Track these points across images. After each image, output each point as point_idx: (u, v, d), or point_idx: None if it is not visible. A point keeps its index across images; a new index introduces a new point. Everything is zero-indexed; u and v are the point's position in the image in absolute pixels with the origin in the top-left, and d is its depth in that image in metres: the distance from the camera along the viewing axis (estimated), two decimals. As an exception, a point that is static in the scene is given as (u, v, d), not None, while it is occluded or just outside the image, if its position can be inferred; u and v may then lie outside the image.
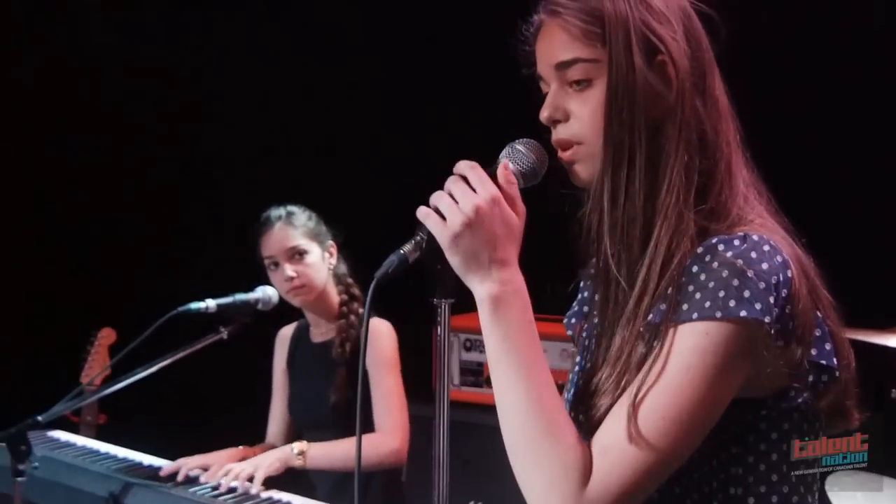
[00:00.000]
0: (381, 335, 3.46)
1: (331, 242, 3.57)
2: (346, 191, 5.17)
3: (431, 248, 1.58)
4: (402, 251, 1.59)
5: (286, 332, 3.76)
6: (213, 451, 3.33)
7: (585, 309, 1.84)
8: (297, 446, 3.23)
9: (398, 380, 3.45)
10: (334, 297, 3.57)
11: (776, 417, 1.58)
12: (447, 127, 4.85)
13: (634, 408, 1.48)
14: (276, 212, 3.53)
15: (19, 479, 2.73)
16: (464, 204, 1.55)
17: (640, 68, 1.57)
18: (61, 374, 4.07)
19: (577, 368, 1.77)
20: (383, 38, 5.14)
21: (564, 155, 1.65)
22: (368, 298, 1.60)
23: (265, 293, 3.21)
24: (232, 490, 3.02)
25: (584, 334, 1.79)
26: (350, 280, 3.61)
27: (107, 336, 4.09)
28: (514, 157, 1.64)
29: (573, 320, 1.87)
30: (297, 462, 3.21)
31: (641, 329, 1.55)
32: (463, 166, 1.59)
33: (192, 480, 3.11)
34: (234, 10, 5.40)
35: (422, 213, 1.58)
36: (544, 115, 1.65)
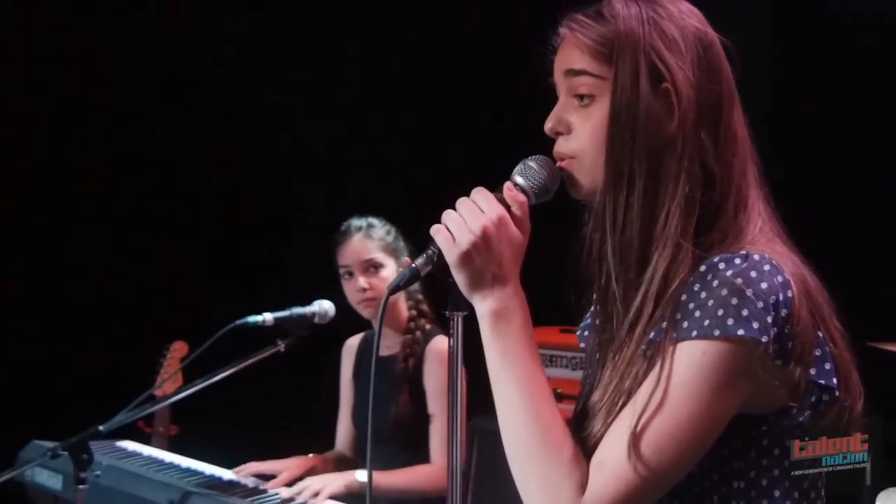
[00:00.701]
0: (446, 361, 3.44)
1: (406, 258, 3.58)
2: (425, 206, 5.21)
3: (442, 262, 1.63)
4: (414, 265, 1.65)
5: (353, 343, 3.80)
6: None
7: (597, 322, 1.86)
8: (360, 476, 3.27)
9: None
10: (403, 311, 3.60)
11: (778, 434, 1.59)
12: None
13: (634, 425, 1.51)
14: (357, 222, 3.58)
15: (81, 486, 2.80)
16: (471, 223, 1.60)
17: (643, 92, 1.60)
18: (135, 387, 4.19)
19: (584, 385, 1.79)
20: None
21: (562, 164, 1.69)
22: (381, 309, 1.66)
23: (321, 307, 3.26)
24: (291, 500, 3.09)
25: (596, 351, 1.81)
26: (420, 296, 3.63)
27: (179, 349, 4.20)
28: (527, 174, 1.68)
29: (586, 333, 1.89)
30: (358, 487, 3.24)
31: (636, 353, 1.58)
32: (473, 192, 1.64)
33: (255, 491, 3.17)
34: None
35: (434, 230, 1.63)
36: (548, 126, 1.70)
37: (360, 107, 5.44)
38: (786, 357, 1.52)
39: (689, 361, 1.51)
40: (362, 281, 3.49)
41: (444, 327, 3.48)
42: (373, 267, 3.51)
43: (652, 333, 1.56)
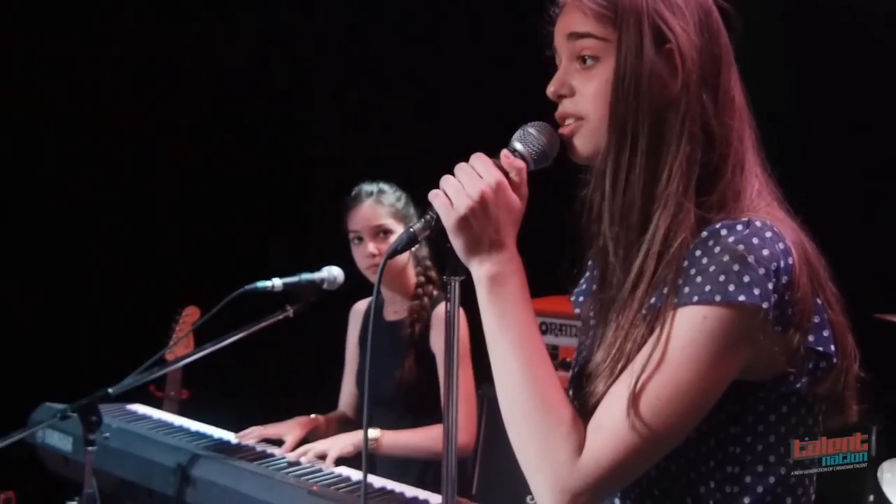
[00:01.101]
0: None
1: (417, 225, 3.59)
2: (435, 174, 5.24)
3: (440, 227, 1.65)
4: (412, 229, 1.67)
5: (360, 307, 3.82)
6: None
7: (594, 287, 1.87)
8: (372, 433, 3.29)
9: (469, 372, 3.44)
10: (412, 277, 3.61)
11: (775, 400, 1.60)
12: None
13: (633, 388, 1.52)
14: (368, 188, 3.58)
15: (90, 448, 2.83)
16: (469, 188, 1.61)
17: (647, 53, 1.61)
18: (148, 351, 4.22)
19: (581, 347, 1.80)
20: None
21: (565, 129, 1.69)
22: (378, 273, 1.67)
23: (330, 273, 3.27)
24: (297, 464, 3.10)
25: (591, 313, 1.82)
26: (429, 263, 3.64)
27: (191, 314, 4.21)
28: (526, 140, 1.69)
29: (581, 298, 1.91)
30: (370, 447, 3.28)
31: (638, 314, 1.59)
32: (471, 157, 1.65)
33: (263, 455, 3.19)
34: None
35: (432, 195, 1.64)
36: (551, 89, 1.70)
37: (370, 73, 5.45)
38: (785, 323, 1.53)
39: (690, 325, 1.52)
40: (371, 246, 3.49)
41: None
42: (382, 233, 3.51)
43: (653, 298, 1.57)
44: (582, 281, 1.92)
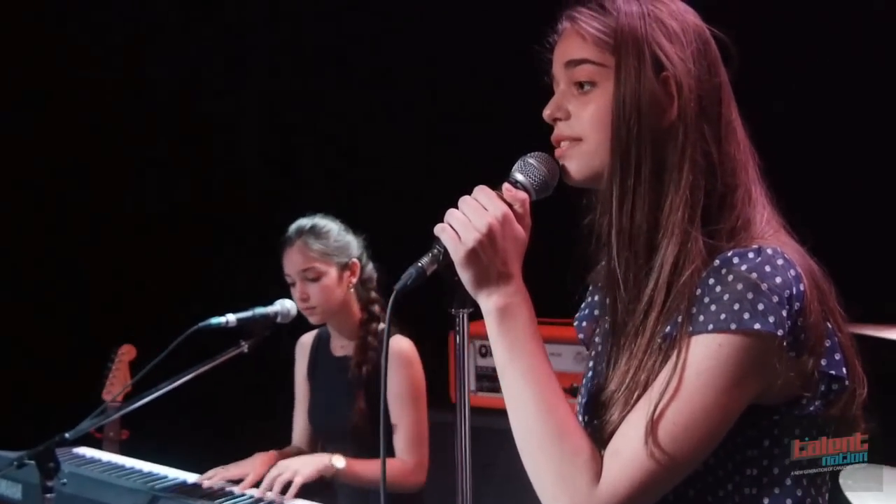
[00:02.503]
0: (408, 361, 3.48)
1: (354, 261, 3.57)
2: (377, 198, 5.26)
3: (448, 261, 1.65)
4: (420, 264, 1.67)
5: (306, 340, 3.79)
6: (235, 460, 3.37)
7: (596, 312, 1.90)
8: (336, 461, 3.28)
9: (423, 411, 3.48)
10: (355, 313, 3.59)
11: (789, 423, 1.64)
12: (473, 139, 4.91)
13: (650, 416, 1.54)
14: (299, 226, 3.55)
15: (49, 495, 2.77)
16: (476, 221, 1.62)
17: (646, 79, 1.64)
18: (80, 392, 4.15)
19: (589, 373, 1.82)
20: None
21: (560, 151, 1.72)
22: (388, 310, 1.68)
23: (284, 306, 3.25)
24: (261, 500, 3.08)
25: (597, 339, 1.85)
26: (374, 295, 3.61)
27: (127, 352, 4.15)
28: (526, 171, 1.71)
29: (584, 323, 1.93)
30: (332, 472, 3.27)
31: (651, 343, 1.62)
32: (475, 190, 1.67)
33: (223, 493, 3.15)
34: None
35: (438, 229, 1.65)
36: (547, 112, 1.73)
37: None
38: (799, 349, 1.57)
39: (706, 353, 1.55)
40: (300, 290, 3.49)
41: (399, 326, 3.52)
42: (311, 277, 3.49)
43: (668, 327, 1.60)
44: (584, 305, 1.95)
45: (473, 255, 1.62)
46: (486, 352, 4.58)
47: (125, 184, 5.36)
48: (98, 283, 5.26)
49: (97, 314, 5.09)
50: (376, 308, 3.59)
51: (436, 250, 1.66)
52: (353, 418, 3.46)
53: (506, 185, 1.69)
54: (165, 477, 3.27)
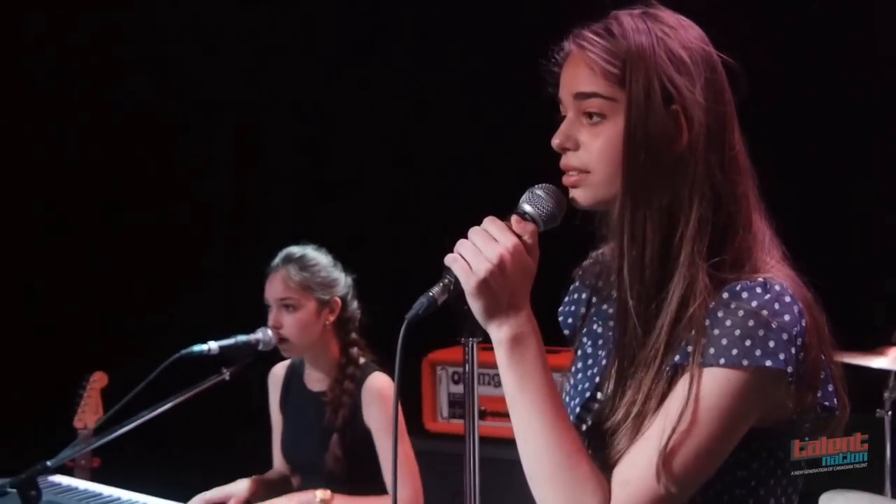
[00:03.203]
0: (387, 397, 3.43)
1: (336, 299, 3.50)
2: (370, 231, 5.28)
3: (458, 291, 1.67)
4: (431, 294, 1.68)
5: (278, 372, 3.74)
6: (208, 487, 3.36)
7: (583, 310, 1.95)
8: (321, 495, 3.26)
9: (408, 444, 3.45)
10: (333, 353, 3.53)
11: (776, 447, 1.70)
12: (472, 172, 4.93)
13: (662, 448, 1.58)
14: (288, 253, 3.50)
15: (30, 524, 2.76)
16: (487, 252, 1.64)
17: (656, 114, 1.66)
18: (51, 419, 4.12)
19: (578, 375, 1.87)
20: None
21: (569, 180, 1.74)
22: (400, 339, 1.67)
23: (266, 334, 3.26)
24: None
25: (585, 339, 1.90)
26: (353, 337, 3.55)
27: (99, 379, 4.11)
28: (534, 202, 1.73)
29: (569, 319, 1.97)
30: None
31: (659, 372, 1.65)
32: (484, 221, 1.69)
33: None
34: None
35: (449, 259, 1.67)
36: (556, 141, 1.74)
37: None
38: (801, 384, 1.62)
39: (718, 388, 1.59)
40: (274, 318, 3.43)
41: (378, 360, 3.52)
42: (287, 307, 3.43)
43: (677, 357, 1.63)
44: (567, 300, 1.99)
45: (484, 286, 1.63)
46: (458, 379, 4.59)
47: (97, 209, 5.32)
48: (69, 310, 5.22)
49: (67, 341, 5.05)
50: (355, 351, 3.53)
51: (447, 280, 1.68)
52: (328, 463, 3.43)
53: (514, 217, 1.71)
54: (145, 505, 3.26)
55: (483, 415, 4.54)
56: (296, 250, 3.51)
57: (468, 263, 1.64)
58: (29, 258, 5.18)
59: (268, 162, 5.57)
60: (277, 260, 3.50)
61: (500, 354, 1.68)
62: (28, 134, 5.14)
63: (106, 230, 5.35)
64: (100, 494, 3.37)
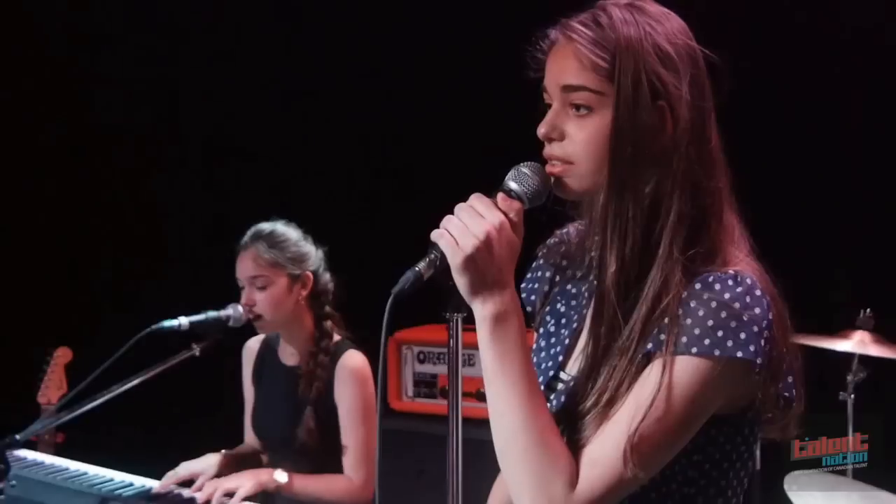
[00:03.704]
0: (361, 379, 3.46)
1: (308, 273, 3.50)
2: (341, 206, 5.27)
3: (444, 266, 1.68)
4: (417, 269, 1.69)
5: (252, 346, 3.74)
6: (172, 463, 3.35)
7: (546, 288, 1.99)
8: (279, 476, 3.27)
9: (373, 427, 3.45)
10: (306, 326, 3.53)
11: (732, 432, 1.74)
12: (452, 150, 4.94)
13: (631, 433, 1.62)
14: (257, 230, 3.49)
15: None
16: (474, 228, 1.65)
17: (643, 110, 1.68)
18: (13, 395, 4.10)
19: (541, 353, 1.91)
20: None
21: (553, 169, 1.76)
22: (386, 314, 1.68)
23: (236, 310, 3.25)
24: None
25: (549, 318, 1.95)
26: (327, 310, 3.57)
27: (63, 355, 4.10)
28: (520, 180, 1.74)
29: (532, 297, 2.00)
30: (274, 487, 3.25)
31: (632, 360, 1.68)
32: (471, 198, 1.70)
33: (176, 497, 3.16)
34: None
35: (436, 234, 1.68)
36: (541, 131, 1.76)
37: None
38: (767, 375, 1.66)
39: (689, 376, 1.63)
40: (247, 297, 3.42)
41: (352, 337, 3.54)
42: (259, 285, 3.42)
43: (649, 345, 1.67)
44: (530, 277, 2.02)
45: (471, 262, 1.65)
46: (424, 358, 4.61)
47: (61, 181, 5.29)
48: (31, 284, 5.20)
49: (31, 316, 5.02)
50: (329, 324, 3.54)
51: (433, 255, 1.68)
52: (301, 436, 3.44)
53: (500, 195, 1.72)
54: (112, 480, 3.24)
55: (442, 392, 4.57)
56: (265, 227, 3.50)
57: (455, 239, 1.66)
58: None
59: (235, 135, 5.54)
60: (246, 237, 3.49)
61: (482, 331, 1.69)
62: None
63: (69, 205, 5.32)
64: (66, 469, 3.36)
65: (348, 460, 3.43)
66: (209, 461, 3.32)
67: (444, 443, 4.22)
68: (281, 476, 3.26)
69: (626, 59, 1.68)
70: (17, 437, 2.84)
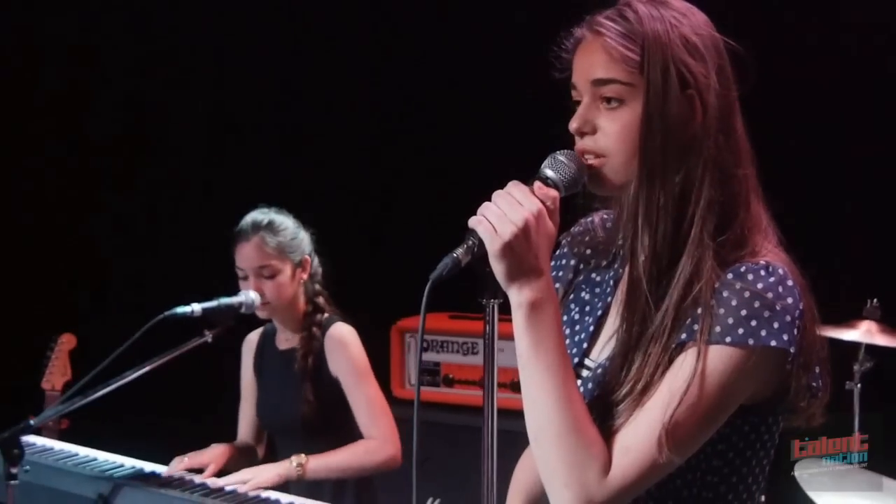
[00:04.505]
0: (349, 343, 3.50)
1: (306, 256, 3.55)
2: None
3: (482, 253, 1.68)
4: (454, 255, 1.68)
5: (252, 338, 3.77)
6: (176, 449, 3.36)
7: (570, 276, 2.00)
8: (296, 459, 3.29)
9: (376, 385, 3.50)
10: (300, 307, 3.57)
11: (757, 422, 1.76)
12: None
13: (666, 420, 1.64)
14: (255, 220, 3.50)
15: (13, 482, 2.76)
16: (512, 215, 1.66)
17: (673, 100, 1.70)
18: (17, 381, 4.10)
19: (566, 341, 1.88)
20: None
21: (591, 162, 1.77)
22: (424, 298, 1.69)
23: (248, 297, 3.26)
24: (221, 489, 3.09)
25: (573, 306, 1.96)
26: (318, 288, 3.61)
27: (67, 341, 4.11)
28: (557, 168, 1.75)
29: (557, 285, 1.98)
30: (296, 474, 3.27)
31: (665, 348, 1.70)
32: (509, 185, 1.71)
33: (187, 482, 3.17)
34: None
35: (474, 221, 1.69)
36: (573, 125, 1.77)
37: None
38: (798, 364, 1.68)
39: (724, 365, 1.65)
40: (255, 286, 3.43)
41: (342, 315, 3.58)
42: (267, 274, 3.45)
43: (683, 335, 1.68)
44: (553, 264, 2.01)
45: (508, 249, 1.65)
46: (426, 346, 4.63)
47: (65, 163, 5.28)
48: (35, 271, 5.19)
49: (35, 302, 5.01)
50: (321, 300, 3.59)
51: (470, 241, 1.68)
52: (303, 409, 3.46)
53: (537, 183, 1.73)
54: (122, 465, 3.26)
55: (451, 382, 4.59)
56: (261, 217, 3.52)
57: (493, 226, 1.66)
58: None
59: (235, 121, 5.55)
60: (246, 227, 3.49)
61: (518, 317, 1.70)
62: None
63: (74, 191, 5.31)
64: (76, 454, 3.38)
65: (362, 421, 3.44)
66: (216, 452, 3.32)
67: (446, 431, 4.27)
68: (297, 459, 3.27)
69: (655, 49, 1.70)
70: (32, 422, 2.84)
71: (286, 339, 3.64)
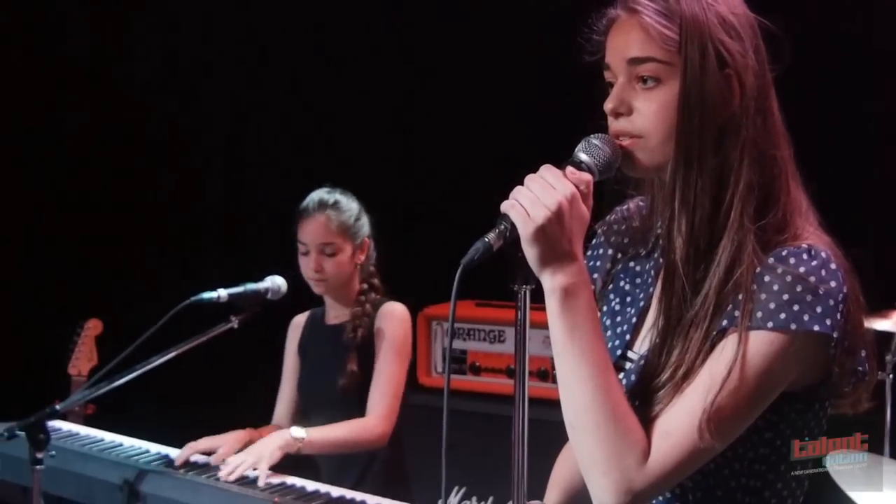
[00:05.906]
0: (396, 320, 3.56)
1: (366, 239, 3.62)
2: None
3: (514, 237, 1.66)
4: (486, 239, 1.66)
5: (300, 320, 3.81)
6: (201, 434, 3.34)
7: (608, 266, 1.97)
8: (296, 432, 3.27)
9: (403, 368, 3.53)
10: (355, 285, 3.63)
11: (803, 408, 1.73)
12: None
13: (707, 405, 1.61)
14: (322, 198, 3.58)
15: (38, 467, 2.75)
16: (546, 199, 1.63)
17: (711, 79, 1.67)
18: (43, 365, 4.10)
19: (607, 332, 1.89)
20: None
21: (626, 143, 1.73)
22: (455, 283, 1.65)
23: (274, 283, 3.24)
24: (244, 476, 3.07)
25: (612, 296, 1.93)
26: (373, 269, 3.67)
27: (93, 327, 4.11)
28: (591, 151, 1.72)
29: (595, 275, 1.97)
30: (296, 447, 3.25)
31: (706, 335, 1.67)
32: (541, 169, 1.68)
33: (198, 466, 3.15)
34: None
35: (506, 205, 1.66)
36: (609, 106, 1.74)
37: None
38: (843, 349, 1.64)
39: (766, 350, 1.62)
40: (316, 261, 3.51)
41: (396, 299, 3.59)
42: (329, 251, 3.52)
43: (724, 321, 1.65)
44: (590, 254, 1.99)
45: (541, 233, 1.62)
46: (453, 334, 4.61)
47: (94, 151, 5.28)
48: (63, 257, 5.19)
49: (62, 288, 5.02)
50: (376, 281, 3.66)
51: (503, 226, 1.66)
52: (343, 380, 3.50)
53: (570, 167, 1.70)
54: (147, 451, 3.26)
55: (477, 370, 4.57)
56: (328, 196, 3.59)
57: (526, 210, 1.63)
58: (24, 205, 5.15)
59: (267, 107, 5.53)
60: (312, 204, 3.57)
61: (552, 303, 1.67)
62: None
63: (102, 178, 5.31)
64: (102, 440, 3.38)
65: (373, 394, 3.46)
66: (231, 437, 3.31)
67: (471, 418, 4.24)
68: (298, 432, 3.25)
69: (692, 28, 1.67)
70: (57, 407, 2.82)
71: (336, 316, 3.68)
